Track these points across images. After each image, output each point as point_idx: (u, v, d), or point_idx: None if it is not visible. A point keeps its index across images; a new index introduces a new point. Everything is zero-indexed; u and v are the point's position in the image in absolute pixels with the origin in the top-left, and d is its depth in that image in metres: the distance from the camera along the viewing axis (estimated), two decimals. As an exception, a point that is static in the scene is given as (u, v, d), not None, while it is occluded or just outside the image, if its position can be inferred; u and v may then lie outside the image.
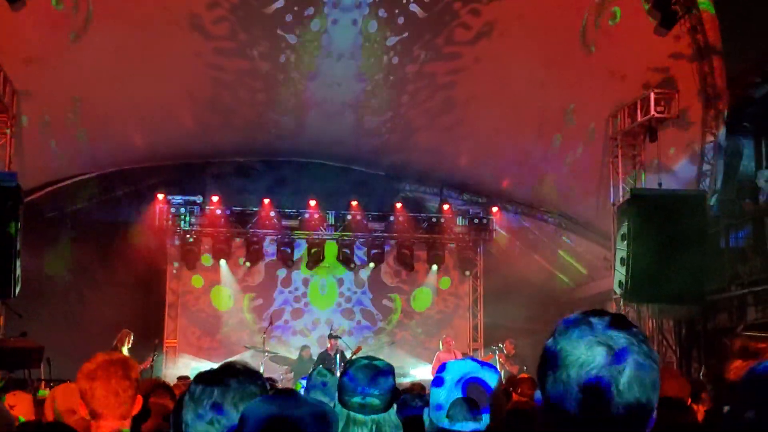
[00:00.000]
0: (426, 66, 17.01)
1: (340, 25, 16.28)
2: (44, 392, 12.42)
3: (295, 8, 15.74)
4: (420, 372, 18.92)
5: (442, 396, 2.75)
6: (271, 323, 18.34)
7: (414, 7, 15.81)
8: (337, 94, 17.97)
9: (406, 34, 16.43)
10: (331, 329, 17.96)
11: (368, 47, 16.80)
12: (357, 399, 3.13)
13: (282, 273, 20.30)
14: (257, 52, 16.77)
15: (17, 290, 13.88)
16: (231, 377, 2.58)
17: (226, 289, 20.06)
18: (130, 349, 15.00)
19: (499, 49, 16.20)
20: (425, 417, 2.85)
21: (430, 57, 16.76)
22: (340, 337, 17.25)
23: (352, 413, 3.11)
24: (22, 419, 4.77)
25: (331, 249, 20.32)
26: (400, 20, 16.16)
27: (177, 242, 19.77)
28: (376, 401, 3.11)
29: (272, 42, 16.54)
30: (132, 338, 15.27)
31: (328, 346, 16.73)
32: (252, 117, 18.81)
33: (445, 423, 2.71)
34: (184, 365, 18.56)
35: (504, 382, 10.98)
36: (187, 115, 18.39)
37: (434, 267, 20.47)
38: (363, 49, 16.90)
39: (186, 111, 18.25)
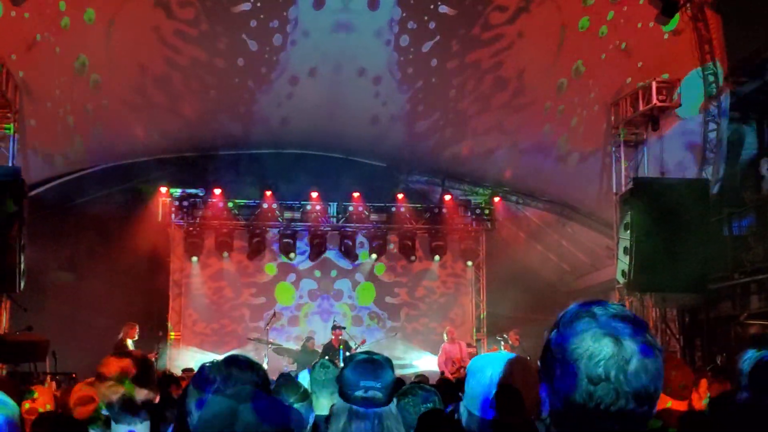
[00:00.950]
0: (467, 57, 17.06)
1: (371, 47, 17.08)
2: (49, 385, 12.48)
3: (261, 16, 15.96)
4: (423, 362, 18.97)
5: (485, 389, 2.78)
6: (274, 315, 18.38)
7: (443, 8, 15.99)
8: (385, 108, 18.33)
9: (438, 38, 16.75)
10: (334, 320, 18.00)
11: (406, 59, 17.28)
12: (359, 393, 3.15)
13: (284, 264, 20.32)
14: (216, 48, 16.91)
15: (22, 284, 13.92)
16: (233, 367, 2.62)
17: (229, 281, 20.09)
18: (135, 342, 15.04)
19: (542, 19, 16.41)
20: (462, 410, 2.88)
21: (468, 47, 16.81)
22: (344, 328, 17.29)
23: (354, 407, 3.14)
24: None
25: (332, 240, 20.33)
26: (432, 25, 16.45)
27: (180, 235, 19.80)
28: (378, 394, 3.13)
29: (234, 42, 16.70)
30: (138, 331, 15.32)
31: (332, 337, 16.76)
32: (243, 109, 18.88)
33: (490, 413, 2.75)
34: (188, 357, 18.60)
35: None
36: (188, 107, 18.42)
37: (436, 257, 20.48)
38: (399, 64, 17.34)
39: (186, 103, 18.28)
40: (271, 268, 20.31)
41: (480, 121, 19.09)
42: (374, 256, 20.38)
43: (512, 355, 2.86)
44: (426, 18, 16.40)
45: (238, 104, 18.68)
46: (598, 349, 1.62)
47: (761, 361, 3.32)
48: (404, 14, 16.52)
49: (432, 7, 16.21)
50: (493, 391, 2.77)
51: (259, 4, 16.04)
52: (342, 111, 18.93)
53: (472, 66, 17.41)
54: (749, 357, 3.38)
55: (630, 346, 1.62)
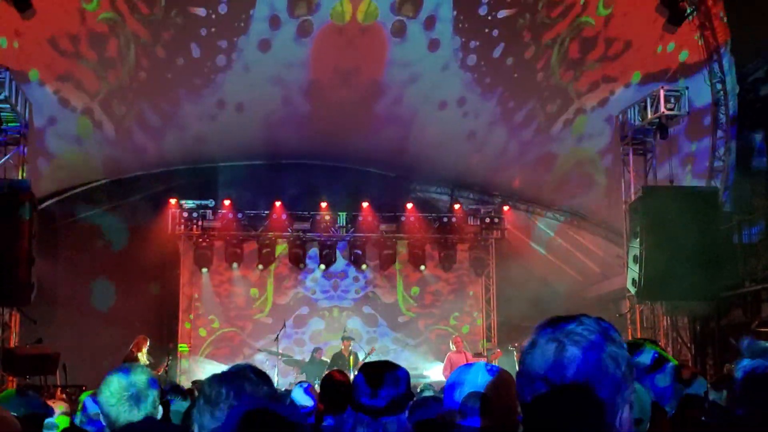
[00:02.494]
0: (542, 38, 17.20)
1: (443, 82, 17.65)
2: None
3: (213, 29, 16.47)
4: (433, 372, 18.94)
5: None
6: (284, 326, 18.38)
7: (502, 13, 16.52)
8: (479, 120, 18.54)
9: (503, 44, 16.99)
10: (344, 331, 17.99)
11: (480, 73, 17.64)
12: (364, 400, 3.15)
13: (294, 274, 20.33)
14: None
15: (32, 297, 13.97)
16: (244, 380, 2.61)
17: (239, 292, 20.10)
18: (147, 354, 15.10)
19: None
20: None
21: (540, 31, 16.98)
22: (354, 339, 17.28)
23: (360, 414, 3.13)
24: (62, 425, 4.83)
25: (342, 250, 20.33)
26: (495, 33, 16.90)
27: (190, 246, 19.84)
28: (381, 403, 3.13)
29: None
30: (149, 344, 15.34)
31: (342, 347, 16.75)
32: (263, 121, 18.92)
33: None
34: (199, 369, 18.61)
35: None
36: (195, 120, 18.48)
37: (446, 267, 20.45)
38: (475, 81, 17.71)
39: (193, 117, 18.35)
40: (280, 279, 20.31)
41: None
42: (384, 265, 20.36)
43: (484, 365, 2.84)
44: (487, 30, 16.78)
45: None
46: (545, 352, 1.65)
47: (753, 372, 3.26)
48: (463, 39, 16.97)
49: (490, 18, 16.57)
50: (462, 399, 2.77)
51: (213, 16, 16.27)
52: (421, 139, 19.22)
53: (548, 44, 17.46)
54: (742, 367, 3.34)
55: (568, 343, 1.64)
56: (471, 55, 17.29)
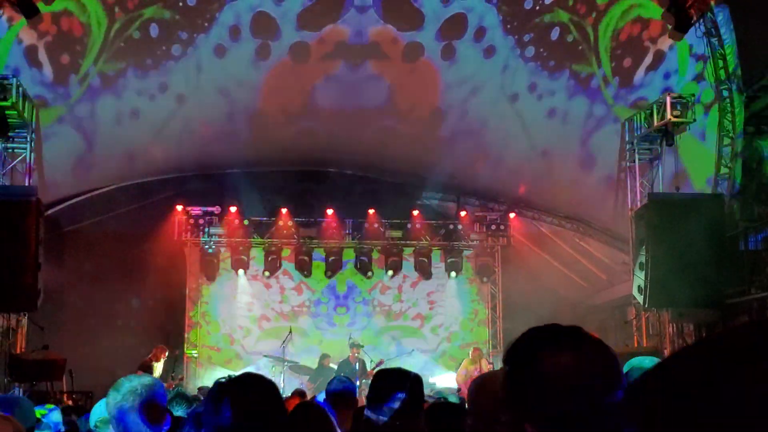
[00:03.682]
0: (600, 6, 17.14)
1: (508, 75, 17.62)
2: (68, 404, 12.54)
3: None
4: (440, 380, 18.94)
5: None
6: (290, 332, 18.39)
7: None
8: (555, 97, 18.31)
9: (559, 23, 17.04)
10: (350, 338, 17.99)
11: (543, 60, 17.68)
12: (380, 404, 3.16)
13: (300, 281, 20.34)
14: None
15: (39, 303, 14.01)
16: (248, 388, 2.62)
17: (245, 299, 20.12)
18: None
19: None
20: None
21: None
22: (362, 346, 17.28)
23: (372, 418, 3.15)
24: None
25: (348, 257, 20.34)
26: (546, 18, 16.90)
27: (196, 253, 19.86)
28: (394, 406, 3.15)
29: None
30: (167, 355, 15.43)
31: (350, 354, 16.76)
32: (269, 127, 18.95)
33: None
34: (205, 375, 18.63)
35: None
36: (204, 126, 18.53)
37: (452, 274, 20.46)
38: (540, 67, 17.63)
39: (202, 123, 18.40)
40: (286, 285, 20.33)
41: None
42: (390, 272, 20.37)
43: None
44: (538, 21, 16.79)
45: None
46: None
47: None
48: (516, 37, 17.01)
49: (538, 8, 16.58)
50: None
51: (181, 4, 16.34)
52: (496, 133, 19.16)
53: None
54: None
55: None
56: (528, 48, 17.26)
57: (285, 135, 18.65)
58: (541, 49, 17.29)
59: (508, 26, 16.84)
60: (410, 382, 3.37)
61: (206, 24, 16.44)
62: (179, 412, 5.62)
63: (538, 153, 18.86)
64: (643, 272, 15.27)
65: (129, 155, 18.61)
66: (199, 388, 15.19)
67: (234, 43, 16.76)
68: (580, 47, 17.09)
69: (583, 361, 1.68)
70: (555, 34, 16.99)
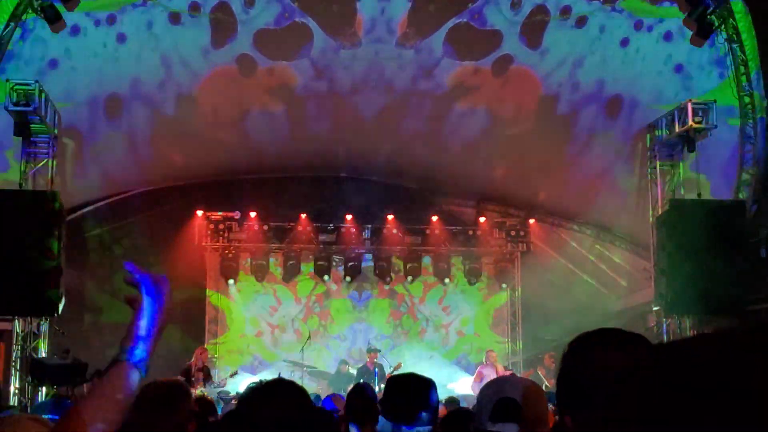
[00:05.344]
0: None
1: None
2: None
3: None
4: (459, 385, 18.89)
5: None
6: (309, 337, 18.42)
7: None
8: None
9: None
10: (368, 343, 18.01)
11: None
12: (393, 411, 3.17)
13: (319, 287, 20.37)
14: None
15: (61, 308, 14.08)
16: (282, 395, 2.62)
17: (264, 304, 20.17)
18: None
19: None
20: None
21: None
22: (380, 351, 17.28)
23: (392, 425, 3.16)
24: None
25: (367, 263, 20.34)
26: None
27: (216, 258, 19.93)
28: (418, 413, 3.15)
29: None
30: (209, 356, 15.66)
31: (367, 360, 16.75)
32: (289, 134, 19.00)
33: None
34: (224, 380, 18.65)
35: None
36: (224, 133, 18.59)
37: (472, 279, 20.42)
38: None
39: (222, 129, 18.46)
40: (305, 291, 20.36)
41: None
42: (409, 278, 20.37)
43: None
44: None
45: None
46: None
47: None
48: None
49: None
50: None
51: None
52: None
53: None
54: None
55: None
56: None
57: (305, 140, 18.66)
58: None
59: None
60: (424, 387, 3.37)
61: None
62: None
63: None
64: (664, 279, 15.20)
65: (151, 160, 18.71)
66: (219, 392, 15.24)
67: (191, 19, 16.29)
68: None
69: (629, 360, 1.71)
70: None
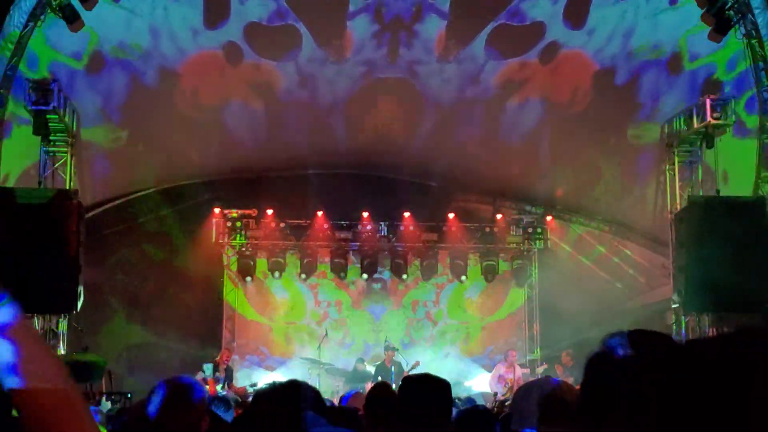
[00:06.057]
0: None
1: None
2: (106, 405, 12.68)
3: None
4: (477, 382, 18.90)
5: None
6: (326, 335, 18.44)
7: None
8: None
9: None
10: (386, 341, 18.01)
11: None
12: (408, 411, 3.17)
13: (336, 284, 20.38)
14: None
15: (79, 305, 14.15)
16: (295, 396, 2.63)
17: (281, 301, 20.20)
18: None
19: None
20: None
21: None
22: (397, 349, 17.27)
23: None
24: None
25: (384, 260, 20.34)
26: None
27: (233, 256, 19.98)
28: (422, 413, 3.15)
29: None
30: (230, 355, 15.81)
31: (385, 358, 16.75)
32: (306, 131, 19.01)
33: None
34: (242, 378, 18.71)
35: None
36: (242, 130, 18.62)
37: (489, 277, 20.37)
38: None
39: (240, 126, 18.49)
40: (322, 288, 20.38)
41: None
42: (426, 275, 20.34)
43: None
44: None
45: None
46: None
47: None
48: None
49: None
50: None
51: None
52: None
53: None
54: None
55: None
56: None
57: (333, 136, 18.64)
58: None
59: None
60: (438, 387, 3.35)
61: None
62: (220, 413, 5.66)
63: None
64: (683, 275, 15.12)
65: (168, 158, 18.77)
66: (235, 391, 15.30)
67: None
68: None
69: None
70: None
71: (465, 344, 20.49)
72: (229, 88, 17.61)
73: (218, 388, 15.28)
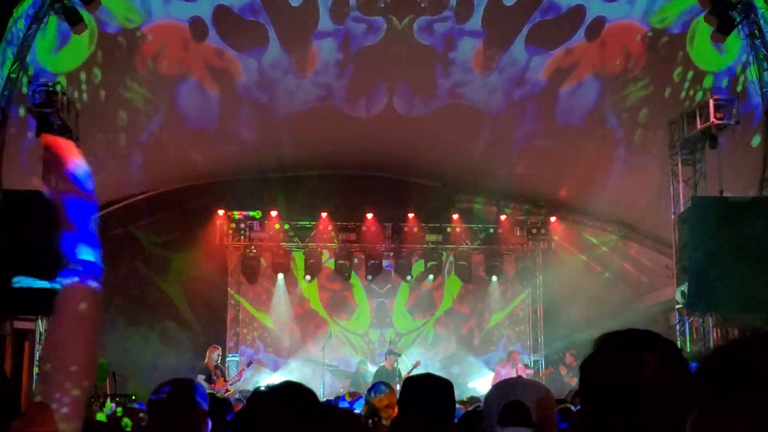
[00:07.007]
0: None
1: None
2: (109, 405, 12.71)
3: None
4: (481, 383, 18.88)
5: None
6: (329, 336, 18.45)
7: None
8: None
9: None
10: (389, 343, 18.01)
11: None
12: (409, 412, 3.17)
13: (340, 285, 20.39)
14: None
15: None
16: (289, 396, 2.62)
17: (286, 302, 20.21)
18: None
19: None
20: None
21: None
22: (400, 354, 17.25)
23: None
24: None
25: (388, 261, 20.34)
26: None
27: (237, 257, 20.00)
28: (425, 413, 3.15)
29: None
30: (219, 353, 15.80)
31: (386, 361, 16.74)
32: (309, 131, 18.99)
33: None
34: (245, 379, 18.71)
35: (566, 395, 10.90)
36: (246, 130, 18.62)
37: (493, 278, 20.37)
38: None
39: (244, 126, 18.48)
40: (326, 289, 20.39)
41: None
42: (431, 276, 20.34)
43: None
44: None
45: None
46: None
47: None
48: None
49: None
50: None
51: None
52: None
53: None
54: None
55: None
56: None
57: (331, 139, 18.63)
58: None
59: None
60: (439, 388, 3.35)
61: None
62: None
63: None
64: (687, 276, 15.09)
65: (171, 159, 18.78)
66: (240, 392, 15.29)
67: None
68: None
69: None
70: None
71: (468, 345, 20.48)
72: (189, 64, 17.28)
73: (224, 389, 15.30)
